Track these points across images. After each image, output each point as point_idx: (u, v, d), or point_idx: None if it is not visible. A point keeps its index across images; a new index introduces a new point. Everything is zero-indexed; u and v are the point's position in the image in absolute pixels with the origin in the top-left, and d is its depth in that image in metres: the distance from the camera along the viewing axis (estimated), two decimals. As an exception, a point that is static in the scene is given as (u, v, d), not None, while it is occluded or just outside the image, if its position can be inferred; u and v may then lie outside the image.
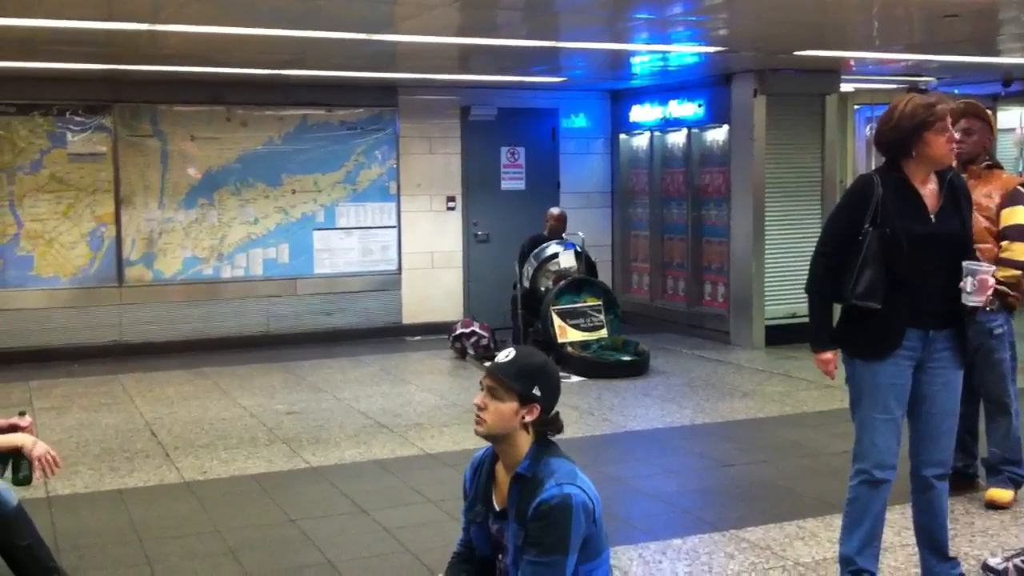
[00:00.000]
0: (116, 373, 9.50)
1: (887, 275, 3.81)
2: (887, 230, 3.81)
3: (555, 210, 10.63)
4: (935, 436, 3.98)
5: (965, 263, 3.81)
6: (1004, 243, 5.02)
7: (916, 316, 3.86)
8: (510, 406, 2.92)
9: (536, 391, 2.93)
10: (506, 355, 2.98)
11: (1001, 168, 5.35)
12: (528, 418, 2.93)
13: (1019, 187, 5.15)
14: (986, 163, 5.23)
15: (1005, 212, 5.07)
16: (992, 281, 3.81)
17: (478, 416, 2.97)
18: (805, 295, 4.15)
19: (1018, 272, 4.99)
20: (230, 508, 5.64)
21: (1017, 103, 12.77)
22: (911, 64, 10.31)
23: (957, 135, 5.12)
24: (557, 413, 3.01)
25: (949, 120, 3.86)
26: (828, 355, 4.04)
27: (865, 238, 3.82)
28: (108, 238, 10.49)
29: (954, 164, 5.20)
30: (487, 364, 3.04)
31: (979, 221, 5.07)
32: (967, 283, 3.78)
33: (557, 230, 10.48)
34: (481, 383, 3.00)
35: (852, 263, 3.84)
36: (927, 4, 6.70)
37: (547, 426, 2.98)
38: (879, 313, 3.83)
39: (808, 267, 4.12)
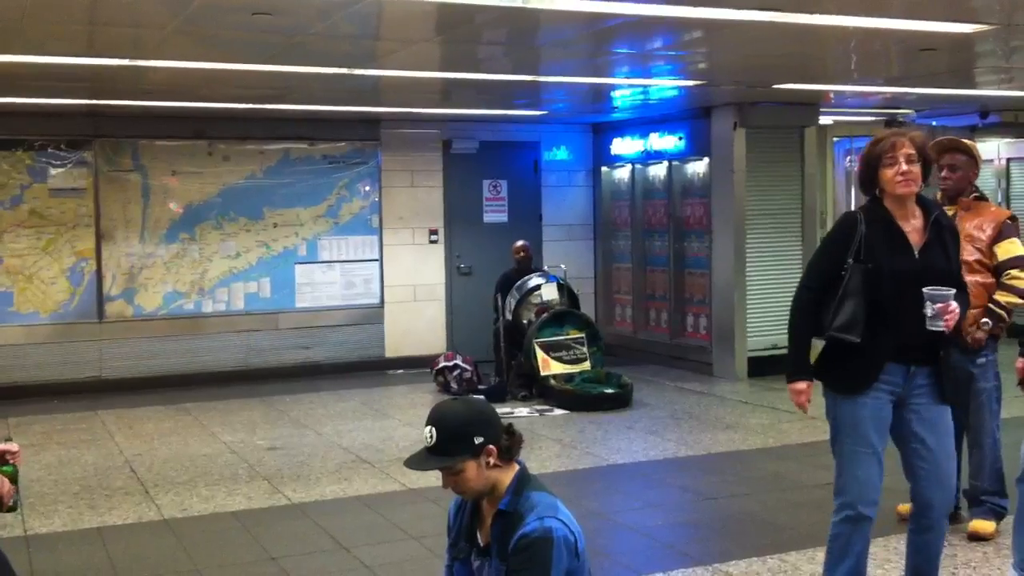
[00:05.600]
0: (96, 409, 9.43)
1: (870, 310, 3.82)
2: (869, 265, 3.83)
3: (518, 242, 10.65)
4: (935, 475, 3.95)
5: (925, 289, 3.78)
6: (1014, 271, 5.04)
7: (898, 351, 3.87)
8: (471, 468, 2.87)
9: (477, 439, 2.87)
10: (430, 435, 2.88)
11: (986, 200, 5.37)
12: (492, 460, 2.89)
13: (1008, 220, 5.18)
14: (974, 195, 5.26)
15: (1003, 246, 5.09)
16: (954, 306, 3.79)
17: (457, 492, 2.96)
18: (787, 329, 4.14)
19: (1020, 301, 5.03)
20: (210, 546, 5.58)
21: (994, 134, 12.88)
22: (889, 97, 10.41)
23: (942, 172, 5.18)
24: (507, 428, 2.96)
25: (901, 152, 3.84)
26: (801, 385, 4.02)
27: (847, 272, 3.85)
28: (88, 273, 10.44)
29: (938, 197, 5.26)
30: (409, 463, 2.93)
31: (971, 253, 5.09)
32: (927, 308, 3.76)
33: (525, 261, 10.49)
34: None
35: (831, 297, 3.87)
36: (904, 38, 6.77)
37: (511, 450, 2.95)
38: (860, 347, 3.84)
39: (791, 303, 4.13)
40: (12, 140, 10.15)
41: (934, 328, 3.79)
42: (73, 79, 7.91)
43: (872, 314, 3.82)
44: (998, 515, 5.27)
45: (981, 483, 5.27)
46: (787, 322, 4.12)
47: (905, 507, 5.04)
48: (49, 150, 10.30)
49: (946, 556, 4.94)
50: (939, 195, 5.30)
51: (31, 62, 6.95)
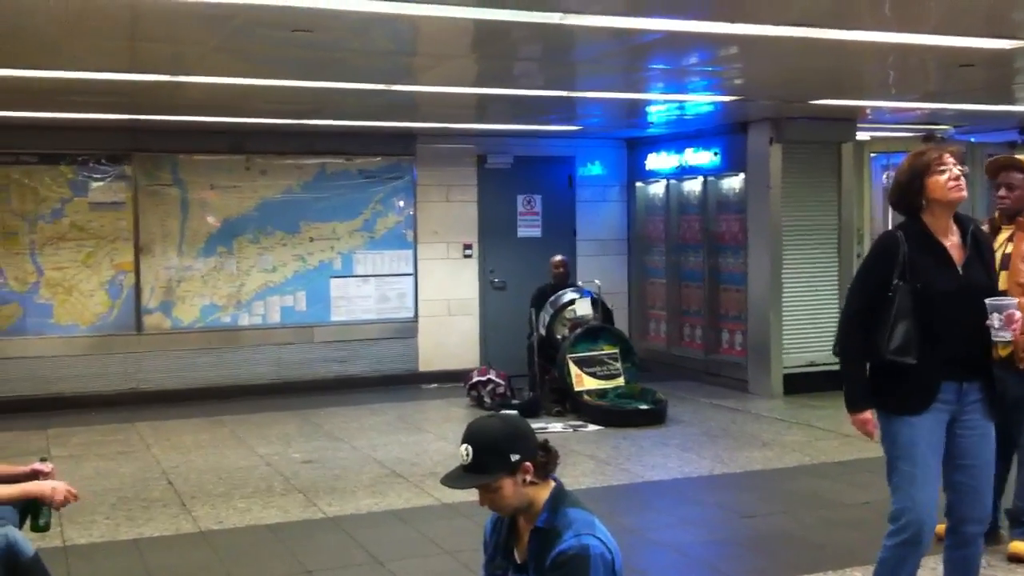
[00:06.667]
0: (133, 421, 9.51)
1: (920, 330, 3.78)
2: (917, 285, 3.79)
3: (556, 257, 10.65)
4: (977, 491, 3.92)
5: (988, 301, 3.79)
6: None
7: (950, 368, 3.84)
8: (507, 486, 2.87)
9: (514, 456, 2.87)
10: (466, 452, 2.89)
11: None
12: (528, 477, 2.89)
13: None
14: None
15: None
16: (1019, 315, 3.78)
17: (493, 509, 2.97)
18: (832, 353, 4.10)
19: None
20: (246, 558, 5.61)
21: (1035, 151, 12.75)
22: (927, 112, 10.33)
23: (1000, 191, 5.09)
24: (543, 445, 2.96)
25: (948, 161, 3.83)
26: (867, 415, 3.92)
27: (896, 293, 3.80)
28: (127, 286, 10.56)
29: (996, 216, 5.16)
30: (446, 481, 2.95)
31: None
32: (993, 319, 3.76)
33: (562, 276, 10.49)
34: None
35: (884, 320, 3.81)
36: (942, 53, 6.73)
37: (548, 467, 2.95)
38: (914, 367, 3.79)
39: (838, 327, 4.09)
40: (53, 155, 10.29)
41: (1001, 339, 3.81)
42: (114, 94, 8.01)
43: (923, 333, 3.78)
44: (1039, 537, 5.20)
45: (1025, 504, 5.20)
46: (835, 347, 4.07)
47: (941, 526, 4.98)
48: (90, 164, 10.43)
49: (986, 577, 4.90)
50: (997, 215, 5.19)
51: (73, 78, 7.04)
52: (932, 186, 3.84)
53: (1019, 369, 4.93)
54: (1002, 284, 4.88)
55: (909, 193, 3.90)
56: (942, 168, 3.83)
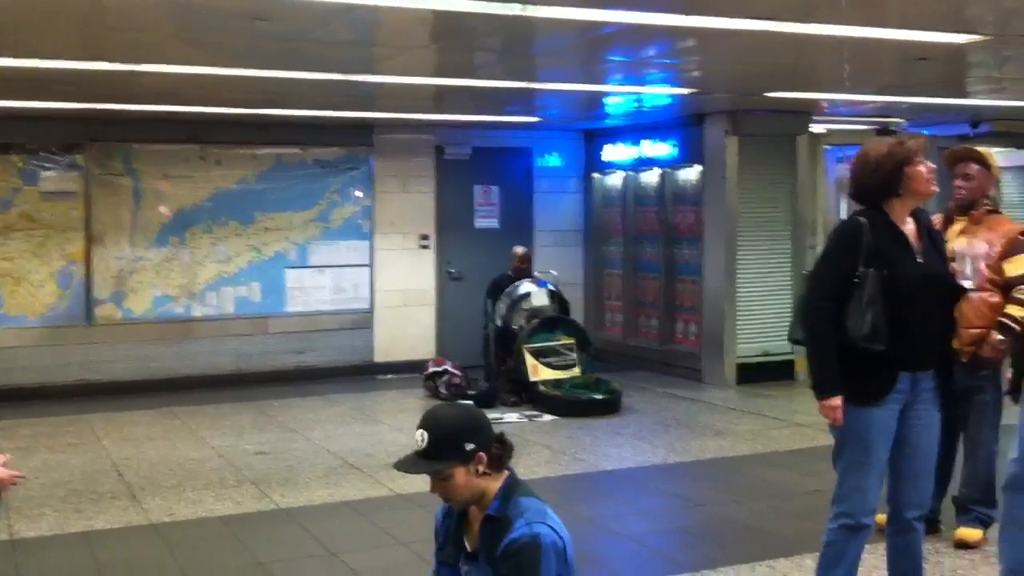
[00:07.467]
0: (84, 413, 9.38)
1: (887, 317, 3.77)
2: (885, 271, 3.79)
3: (519, 249, 10.64)
4: (916, 477, 3.98)
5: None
6: (1022, 286, 4.91)
7: (909, 359, 3.86)
8: (460, 475, 2.85)
9: (468, 446, 2.85)
10: (421, 438, 2.87)
11: (999, 213, 5.22)
12: (482, 468, 2.88)
13: (1020, 235, 5.02)
14: (986, 208, 5.13)
15: (1014, 261, 4.94)
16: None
17: (445, 499, 2.95)
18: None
19: None
20: (197, 551, 5.56)
21: (985, 144, 12.90)
22: (881, 105, 10.43)
23: (956, 181, 5.14)
24: (499, 437, 2.95)
25: (923, 154, 3.88)
26: (837, 401, 3.85)
27: (864, 280, 3.78)
28: (78, 276, 10.41)
29: (952, 207, 5.22)
30: (398, 465, 2.91)
31: (980, 271, 4.99)
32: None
33: (523, 269, 10.49)
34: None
35: (852, 306, 3.78)
36: (898, 48, 6.79)
37: (502, 458, 2.94)
38: (875, 356, 3.79)
39: (800, 313, 4.08)
40: (3, 144, 10.10)
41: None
42: (66, 83, 7.87)
43: (888, 321, 3.77)
44: (985, 524, 5.26)
45: (971, 492, 5.27)
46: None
47: (882, 516, 5.04)
48: (41, 154, 10.26)
49: (933, 563, 4.97)
50: (952, 205, 5.22)
51: (26, 66, 6.91)
52: (914, 176, 3.85)
53: (964, 362, 4.98)
54: None
55: (889, 180, 3.86)
56: (921, 160, 3.87)
